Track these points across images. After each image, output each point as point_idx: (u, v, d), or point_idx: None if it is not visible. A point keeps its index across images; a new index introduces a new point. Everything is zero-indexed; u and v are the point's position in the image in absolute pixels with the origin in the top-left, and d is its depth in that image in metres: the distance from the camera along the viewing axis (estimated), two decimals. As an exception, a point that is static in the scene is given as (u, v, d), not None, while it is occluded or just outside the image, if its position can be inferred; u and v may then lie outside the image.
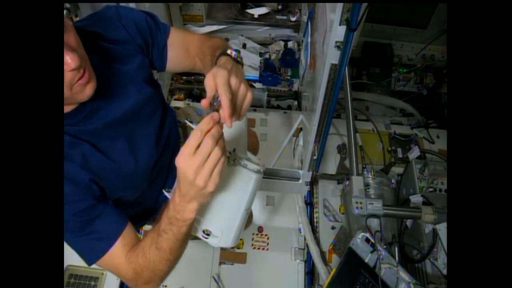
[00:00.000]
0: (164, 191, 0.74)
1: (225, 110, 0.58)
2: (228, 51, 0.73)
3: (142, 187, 0.85)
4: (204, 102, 0.60)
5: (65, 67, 0.57)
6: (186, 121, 0.66)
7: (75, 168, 0.67)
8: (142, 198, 0.88)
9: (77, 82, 0.61)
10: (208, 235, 0.70)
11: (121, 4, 0.85)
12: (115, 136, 0.75)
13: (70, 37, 0.60)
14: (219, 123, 0.57)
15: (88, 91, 0.64)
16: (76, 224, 0.67)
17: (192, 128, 0.62)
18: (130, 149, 0.77)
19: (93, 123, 0.71)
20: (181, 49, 0.87)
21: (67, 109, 0.66)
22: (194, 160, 0.55)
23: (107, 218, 0.70)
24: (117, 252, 0.70)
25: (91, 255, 0.70)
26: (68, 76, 0.59)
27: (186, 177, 0.56)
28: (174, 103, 1.92)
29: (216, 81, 0.59)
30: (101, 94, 0.70)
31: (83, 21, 0.78)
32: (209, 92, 0.61)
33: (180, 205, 0.61)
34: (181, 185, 0.59)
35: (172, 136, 0.94)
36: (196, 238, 0.72)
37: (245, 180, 0.70)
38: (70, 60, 0.57)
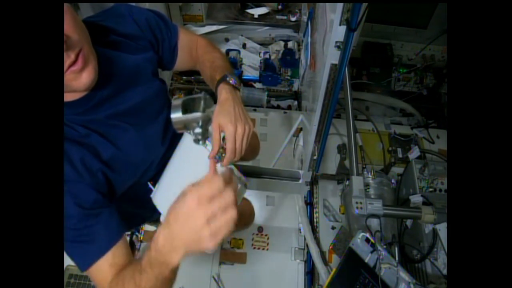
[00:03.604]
0: (149, 183, 0.74)
1: (227, 157, 0.69)
2: (228, 78, 0.76)
3: (149, 178, 0.84)
4: (212, 156, 0.69)
5: None
6: (206, 144, 0.72)
7: (88, 157, 0.66)
8: (144, 192, 0.88)
9: (69, 69, 0.59)
10: None
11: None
12: (123, 126, 0.75)
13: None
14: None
15: (84, 79, 0.61)
16: (78, 216, 0.63)
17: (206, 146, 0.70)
18: (139, 138, 0.77)
19: (102, 112, 0.70)
20: (186, 51, 0.90)
21: (73, 96, 0.65)
22: (211, 207, 0.48)
23: (105, 221, 0.66)
24: (104, 268, 0.65)
25: (84, 259, 0.65)
26: None
27: (190, 221, 0.49)
28: (174, 103, 1.92)
29: (223, 129, 0.70)
30: (111, 84, 0.70)
31: (95, 17, 0.79)
32: (215, 134, 0.70)
33: (165, 248, 0.53)
34: (176, 228, 0.51)
35: (178, 134, 0.96)
36: None
37: None
38: None
